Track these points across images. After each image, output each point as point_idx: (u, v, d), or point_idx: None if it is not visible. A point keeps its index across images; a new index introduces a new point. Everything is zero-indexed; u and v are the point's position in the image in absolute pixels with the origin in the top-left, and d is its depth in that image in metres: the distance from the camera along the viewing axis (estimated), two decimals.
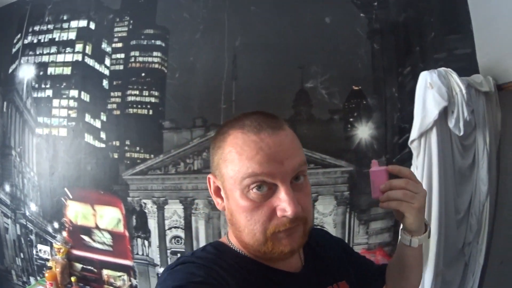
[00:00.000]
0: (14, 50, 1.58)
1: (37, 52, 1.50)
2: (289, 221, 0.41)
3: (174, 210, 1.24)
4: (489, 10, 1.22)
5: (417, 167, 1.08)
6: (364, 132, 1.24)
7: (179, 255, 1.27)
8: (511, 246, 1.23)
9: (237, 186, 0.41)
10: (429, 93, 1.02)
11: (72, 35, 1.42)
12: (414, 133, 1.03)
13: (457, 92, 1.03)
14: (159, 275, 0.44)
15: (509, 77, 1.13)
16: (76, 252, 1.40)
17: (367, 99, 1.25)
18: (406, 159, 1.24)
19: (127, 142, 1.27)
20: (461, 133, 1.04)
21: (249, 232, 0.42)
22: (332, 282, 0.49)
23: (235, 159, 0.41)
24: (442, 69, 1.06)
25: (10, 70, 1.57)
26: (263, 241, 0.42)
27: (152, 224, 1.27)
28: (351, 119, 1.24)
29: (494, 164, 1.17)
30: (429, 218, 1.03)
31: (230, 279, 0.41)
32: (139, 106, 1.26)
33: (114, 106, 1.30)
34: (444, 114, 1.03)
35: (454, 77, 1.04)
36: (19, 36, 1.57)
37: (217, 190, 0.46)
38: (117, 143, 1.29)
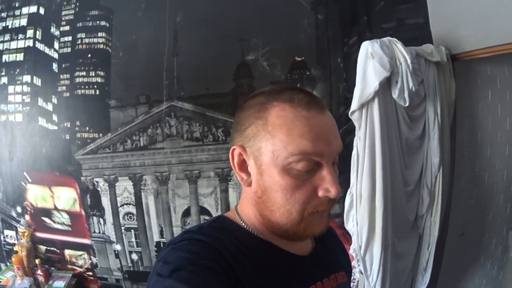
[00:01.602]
0: None
1: None
2: (328, 202, 0.42)
3: (125, 187, 1.33)
4: None
5: (360, 139, 1.09)
6: None
7: (132, 231, 1.37)
8: (470, 217, 1.29)
9: (280, 162, 0.41)
10: (370, 63, 1.03)
11: (24, 21, 1.51)
12: (354, 104, 1.05)
13: (401, 62, 1.03)
14: (162, 248, 0.45)
15: (463, 47, 1.15)
16: (39, 234, 1.52)
17: (310, 70, 1.31)
18: (352, 130, 1.25)
19: (77, 123, 1.36)
20: (406, 104, 1.05)
21: (285, 212, 0.42)
22: (335, 271, 0.50)
23: (283, 133, 0.41)
24: (386, 39, 1.06)
25: None
26: (298, 221, 0.42)
27: (105, 201, 1.37)
28: None
29: (447, 135, 1.19)
30: (374, 190, 1.05)
31: (233, 261, 0.40)
32: (87, 86, 1.35)
33: (64, 88, 1.39)
34: (388, 85, 1.04)
35: (399, 47, 1.04)
36: None
37: (243, 164, 0.44)
38: (68, 125, 1.38)
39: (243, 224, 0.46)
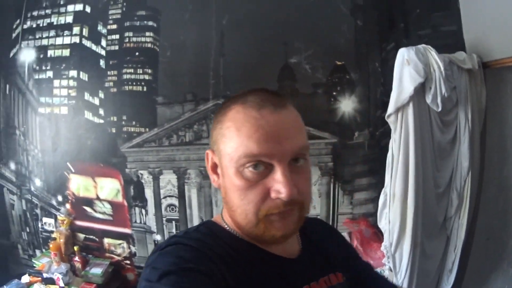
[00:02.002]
0: (14, 35, 1.75)
1: (37, 36, 1.67)
2: (283, 204, 0.40)
3: (169, 180, 1.41)
4: None
5: (395, 141, 1.17)
6: (347, 105, 1.38)
7: (173, 222, 1.45)
8: (497, 223, 1.35)
9: (233, 164, 0.41)
10: (406, 69, 1.11)
11: (69, 19, 1.59)
12: (390, 108, 1.13)
13: (435, 69, 1.11)
14: (149, 255, 0.43)
15: (494, 54, 1.22)
16: (78, 223, 1.60)
17: (350, 74, 1.39)
18: (388, 132, 1.33)
19: (124, 117, 1.44)
20: (439, 109, 1.13)
21: (241, 212, 0.42)
22: (327, 273, 0.48)
23: (233, 136, 0.41)
24: (421, 46, 1.14)
25: (11, 54, 1.75)
26: (255, 223, 0.42)
27: (149, 193, 1.45)
28: (334, 93, 1.38)
29: (477, 141, 1.26)
30: (406, 190, 1.12)
31: (222, 265, 0.40)
32: (134, 83, 1.43)
33: (111, 84, 1.47)
34: (423, 90, 1.12)
35: (433, 54, 1.12)
36: (18, 21, 1.74)
37: (214, 167, 0.46)
38: (115, 119, 1.46)
39: (227, 227, 0.46)
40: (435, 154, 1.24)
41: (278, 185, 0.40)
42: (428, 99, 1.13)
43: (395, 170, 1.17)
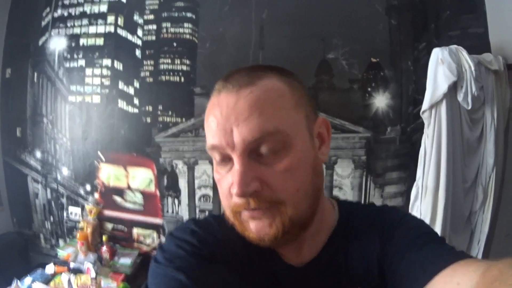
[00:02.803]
0: (43, 23, 1.75)
1: (68, 25, 1.67)
2: (245, 202, 0.34)
3: (204, 170, 1.42)
4: None
5: (428, 136, 1.22)
6: (381, 101, 1.42)
7: (207, 212, 1.46)
8: None
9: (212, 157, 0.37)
10: (440, 68, 1.16)
11: (104, 8, 1.59)
12: (425, 104, 1.17)
13: (466, 69, 1.16)
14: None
15: None
16: (107, 212, 1.60)
17: (384, 71, 1.42)
18: (419, 128, 1.39)
19: (160, 107, 1.45)
20: (469, 107, 1.18)
21: (223, 206, 0.38)
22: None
23: (205, 128, 0.38)
24: (453, 46, 1.19)
25: (40, 42, 1.74)
26: (232, 220, 0.38)
27: (183, 183, 1.45)
28: (369, 89, 1.41)
29: (501, 139, 1.29)
30: (437, 183, 1.17)
31: (225, 254, 0.38)
32: (171, 73, 1.44)
33: (147, 73, 1.47)
34: (454, 88, 1.16)
35: (464, 55, 1.17)
36: (48, 9, 1.74)
37: None
38: (150, 108, 1.47)
39: (229, 221, 0.40)
40: (464, 150, 1.29)
41: (233, 179, 0.34)
42: (460, 97, 1.18)
43: (427, 164, 1.22)
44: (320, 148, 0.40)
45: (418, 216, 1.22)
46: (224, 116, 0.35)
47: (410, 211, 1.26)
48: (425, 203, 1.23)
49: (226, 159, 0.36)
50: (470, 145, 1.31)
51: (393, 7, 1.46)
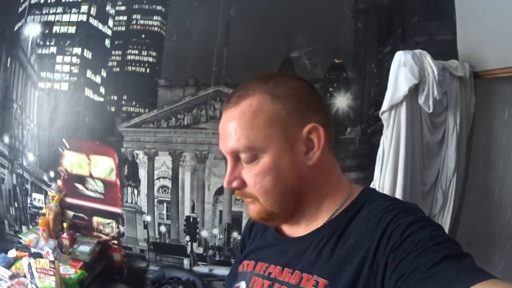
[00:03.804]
0: (20, 9, 1.77)
1: (44, 12, 1.68)
2: (236, 193, 0.47)
3: (163, 161, 1.43)
4: (473, 1, 1.36)
5: (387, 137, 1.22)
6: (342, 102, 1.43)
7: (165, 204, 1.46)
8: (477, 227, 1.41)
9: None
10: (402, 70, 1.16)
11: None
12: (385, 105, 1.18)
13: (429, 73, 1.17)
14: None
15: (485, 65, 1.28)
16: (69, 200, 1.59)
17: (347, 72, 1.44)
18: (379, 130, 1.38)
19: (124, 97, 1.46)
20: (430, 110, 1.18)
21: None
22: (304, 270, 0.43)
23: None
24: (417, 50, 1.20)
25: (16, 28, 1.76)
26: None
27: (142, 173, 1.46)
28: (330, 89, 1.43)
29: (463, 144, 1.31)
30: (395, 185, 1.17)
31: (249, 232, 0.58)
32: (138, 64, 1.45)
33: (115, 63, 1.48)
34: (416, 91, 1.17)
35: (428, 59, 1.18)
36: None
37: None
38: (115, 98, 1.47)
39: None
40: (423, 153, 1.30)
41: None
42: (421, 100, 1.19)
43: (385, 165, 1.22)
44: (308, 153, 0.45)
45: None
46: (220, 128, 0.47)
47: None
48: None
49: (226, 158, 0.47)
50: (430, 148, 1.32)
51: (361, 10, 1.48)
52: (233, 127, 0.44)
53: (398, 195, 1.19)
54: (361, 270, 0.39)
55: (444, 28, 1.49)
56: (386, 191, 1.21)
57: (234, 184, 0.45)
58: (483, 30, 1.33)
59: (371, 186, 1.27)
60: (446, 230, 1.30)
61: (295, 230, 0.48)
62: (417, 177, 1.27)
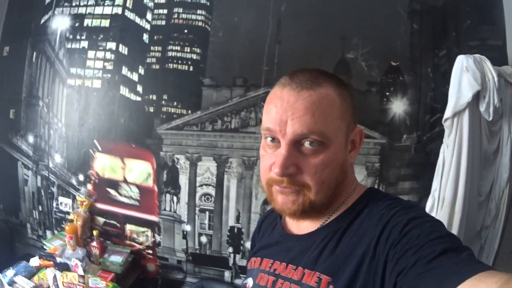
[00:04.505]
0: (47, 1, 1.56)
1: (73, 4, 1.48)
2: (278, 179, 0.42)
3: (207, 167, 1.24)
4: None
5: (448, 146, 1.13)
6: (398, 107, 1.27)
7: (207, 213, 1.28)
8: None
9: (262, 135, 0.45)
10: (465, 76, 1.07)
11: None
12: (448, 112, 1.08)
13: (489, 79, 1.08)
14: None
15: None
16: (99, 205, 1.40)
17: (403, 76, 1.28)
18: (435, 137, 1.28)
19: (165, 97, 1.27)
20: (490, 118, 1.09)
21: (260, 178, 0.47)
22: (306, 267, 0.42)
23: (264, 111, 0.45)
24: (477, 55, 1.10)
25: (42, 21, 1.55)
26: (265, 190, 0.45)
27: (183, 180, 1.27)
28: (387, 93, 1.26)
29: None
30: (455, 195, 1.07)
31: (260, 228, 0.57)
32: (180, 62, 1.26)
33: (154, 60, 1.29)
34: (476, 98, 1.08)
35: (488, 65, 1.09)
36: None
37: None
38: (154, 97, 1.28)
39: None
40: (481, 162, 1.19)
41: (277, 160, 0.42)
42: (482, 107, 1.09)
43: (445, 175, 1.11)
44: (351, 152, 0.46)
45: None
46: (283, 109, 0.42)
47: None
48: (441, 215, 1.13)
49: (274, 141, 0.43)
50: (487, 158, 1.21)
51: (416, 11, 1.32)
52: (311, 110, 0.41)
53: (459, 206, 1.09)
54: (361, 266, 0.39)
55: (494, 33, 1.35)
56: (447, 202, 1.14)
57: (291, 169, 0.41)
58: None
59: (430, 197, 1.16)
60: (497, 241, 1.19)
61: (301, 227, 0.48)
62: (474, 187, 1.17)
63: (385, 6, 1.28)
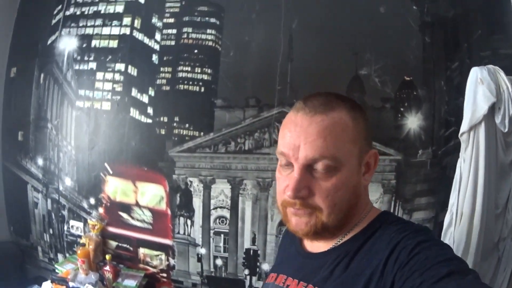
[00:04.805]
0: (54, 21, 1.51)
1: (80, 24, 1.43)
2: (291, 201, 0.43)
3: (221, 190, 1.19)
4: None
5: (465, 160, 1.09)
6: (413, 122, 1.22)
7: (222, 236, 1.22)
8: None
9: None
10: (480, 88, 1.03)
11: (120, 8, 1.36)
12: (464, 126, 1.04)
13: (504, 90, 1.03)
14: None
15: None
16: (111, 229, 1.35)
17: (417, 90, 1.23)
18: (451, 151, 1.23)
19: (176, 119, 1.22)
20: (506, 130, 1.04)
21: (276, 200, 0.48)
22: (321, 286, 0.43)
23: (279, 135, 0.47)
24: (490, 66, 1.06)
25: (49, 42, 1.50)
26: (281, 211, 0.46)
27: (197, 203, 1.22)
28: (401, 109, 1.21)
29: None
30: (473, 211, 1.03)
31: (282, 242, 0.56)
32: (191, 82, 1.22)
33: (164, 81, 1.24)
34: (491, 110, 1.03)
35: (502, 75, 1.04)
36: (59, 7, 1.50)
37: None
38: (165, 119, 1.24)
39: None
40: (497, 175, 1.15)
41: (290, 183, 0.42)
42: (498, 119, 1.04)
43: (463, 189, 1.07)
44: (365, 175, 0.46)
45: (451, 244, 1.07)
46: (297, 133, 0.43)
47: (442, 238, 1.11)
48: (459, 229, 1.09)
49: (289, 165, 0.44)
50: (504, 169, 1.17)
51: (427, 23, 1.27)
52: (323, 135, 0.42)
53: (477, 220, 1.05)
54: (368, 286, 0.39)
55: (505, 42, 1.30)
56: (465, 217, 1.07)
57: (303, 192, 0.42)
58: None
59: (448, 212, 1.11)
60: None
61: (316, 246, 0.48)
62: (492, 200, 1.13)
63: (396, 20, 1.23)
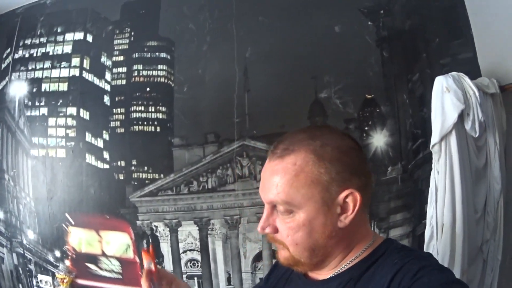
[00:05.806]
0: (3, 65, 1.35)
1: (29, 67, 1.28)
2: (268, 237, 0.44)
3: (189, 232, 1.06)
4: (487, 14, 1.16)
5: (439, 172, 1.01)
6: (379, 140, 1.13)
7: (195, 279, 1.09)
8: None
9: None
10: (447, 97, 0.95)
11: (68, 49, 1.22)
12: (435, 137, 0.96)
13: (471, 95, 0.97)
14: None
15: (511, 78, 1.07)
16: (81, 281, 1.19)
17: (380, 107, 1.14)
18: (420, 164, 1.15)
19: (134, 162, 1.09)
20: (477, 135, 0.98)
21: None
22: None
23: None
24: (454, 73, 0.98)
25: (0, 87, 1.33)
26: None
27: (165, 248, 1.09)
28: (366, 128, 1.12)
29: (503, 163, 1.10)
30: (454, 220, 0.96)
31: (277, 272, 0.51)
32: (145, 122, 1.09)
33: (117, 123, 1.11)
34: (460, 117, 0.95)
35: (467, 81, 0.98)
36: (8, 50, 1.34)
37: None
38: (123, 163, 1.10)
39: None
40: (472, 180, 1.08)
41: None
42: (468, 125, 0.98)
43: (440, 200, 1.00)
44: (341, 215, 0.43)
45: (436, 256, 0.99)
46: (263, 177, 0.44)
47: (425, 250, 1.00)
48: (442, 241, 1.01)
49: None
50: (478, 173, 1.10)
51: (384, 38, 1.19)
52: (274, 181, 0.42)
53: (459, 228, 0.97)
54: None
55: (464, 46, 1.24)
56: (447, 227, 0.99)
57: (268, 230, 0.43)
58: (502, 42, 1.12)
59: (428, 225, 1.03)
60: (500, 252, 1.09)
61: (318, 273, 0.46)
62: (470, 206, 1.07)
63: (353, 38, 1.14)
